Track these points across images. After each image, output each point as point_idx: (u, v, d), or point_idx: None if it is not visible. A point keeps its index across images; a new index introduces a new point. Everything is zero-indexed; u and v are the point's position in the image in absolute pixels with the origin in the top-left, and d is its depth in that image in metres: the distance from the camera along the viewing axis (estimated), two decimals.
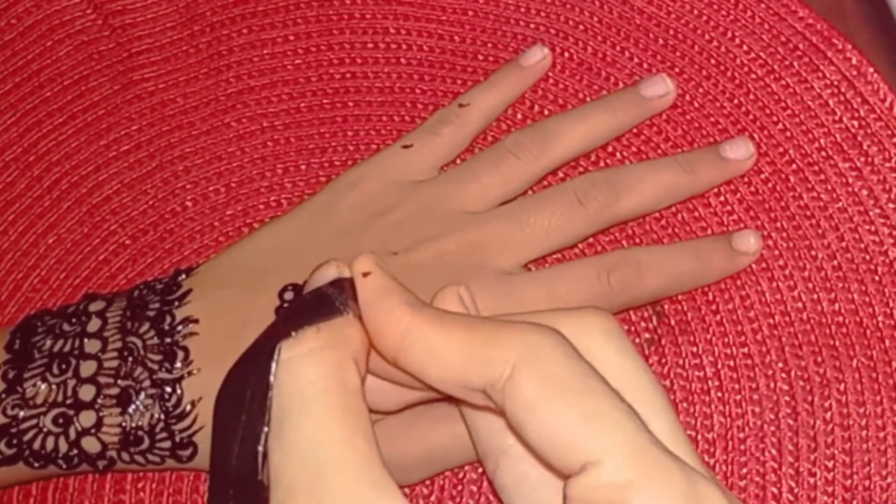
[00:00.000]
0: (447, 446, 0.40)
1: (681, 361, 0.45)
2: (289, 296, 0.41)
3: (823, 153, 0.46)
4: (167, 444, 0.40)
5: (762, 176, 0.47)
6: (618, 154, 0.48)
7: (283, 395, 0.29)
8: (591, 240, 0.46)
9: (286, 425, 0.28)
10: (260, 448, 0.28)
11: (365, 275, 0.31)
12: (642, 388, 0.30)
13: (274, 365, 0.29)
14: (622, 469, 0.27)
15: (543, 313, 0.31)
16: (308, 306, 0.31)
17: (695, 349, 0.45)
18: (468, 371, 0.29)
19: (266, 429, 0.29)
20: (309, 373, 0.29)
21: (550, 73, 0.49)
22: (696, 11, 0.49)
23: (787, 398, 0.44)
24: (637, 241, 0.46)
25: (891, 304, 0.44)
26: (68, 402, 0.40)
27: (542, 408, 0.28)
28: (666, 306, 0.45)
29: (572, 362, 0.29)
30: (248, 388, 0.29)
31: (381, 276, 0.31)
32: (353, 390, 0.29)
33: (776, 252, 0.46)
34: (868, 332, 0.44)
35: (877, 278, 0.45)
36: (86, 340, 0.41)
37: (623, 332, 0.32)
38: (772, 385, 0.44)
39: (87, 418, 0.40)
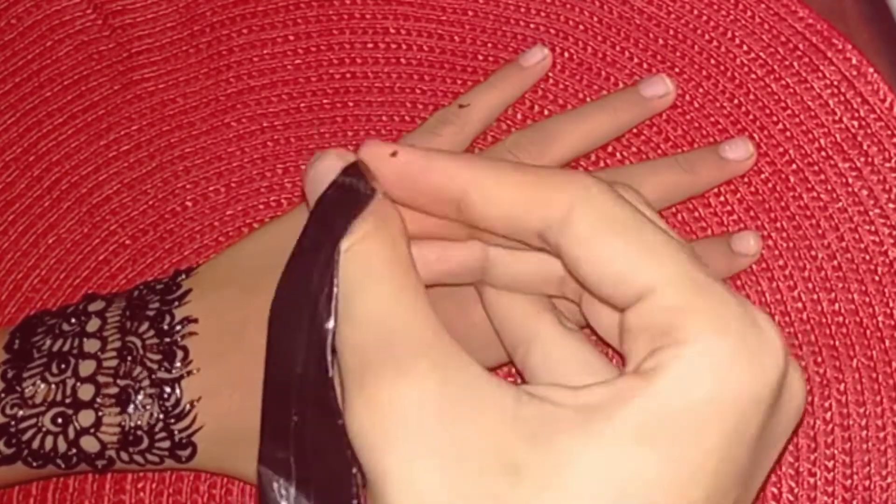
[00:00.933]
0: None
1: None
2: None
3: (823, 153, 0.46)
4: (166, 443, 0.40)
5: (762, 176, 0.47)
6: (618, 154, 0.48)
7: (350, 281, 0.30)
8: None
9: (355, 303, 0.29)
10: (329, 346, 0.29)
11: (394, 155, 0.32)
12: (672, 235, 0.31)
13: (336, 261, 0.30)
14: (679, 294, 0.28)
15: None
16: (335, 200, 0.32)
17: None
18: (529, 212, 0.31)
19: (333, 323, 0.29)
20: (367, 254, 0.30)
21: (550, 73, 0.49)
22: (696, 11, 0.49)
23: None
24: None
25: (891, 304, 0.44)
26: (67, 401, 0.40)
27: (599, 243, 0.29)
28: None
29: (622, 202, 0.30)
30: (308, 292, 0.30)
31: (410, 148, 0.32)
32: (409, 263, 0.31)
33: (776, 252, 0.45)
34: (868, 332, 0.44)
35: (877, 278, 0.45)
36: (85, 340, 0.41)
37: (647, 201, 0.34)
38: None
39: (86, 418, 0.40)
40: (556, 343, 0.35)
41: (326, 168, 0.32)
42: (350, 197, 0.31)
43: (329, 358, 0.29)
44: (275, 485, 0.30)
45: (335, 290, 0.30)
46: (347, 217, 0.31)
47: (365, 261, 0.30)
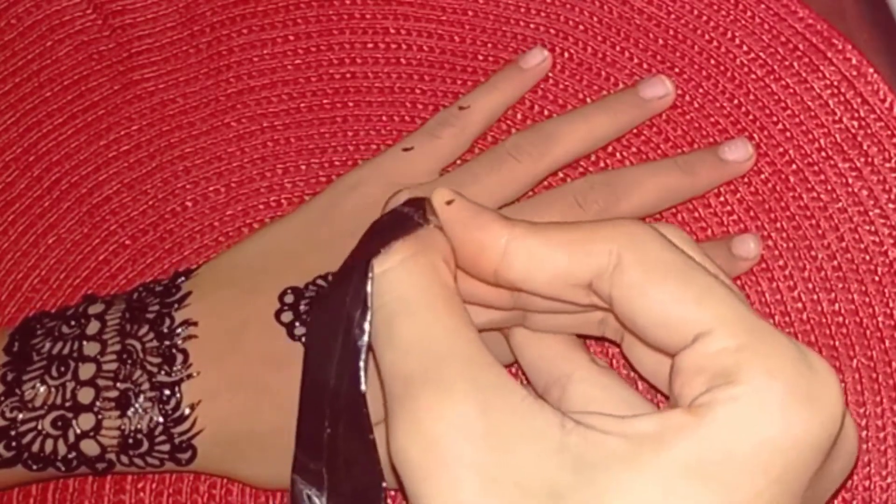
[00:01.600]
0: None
1: None
2: (289, 298, 0.41)
3: (823, 153, 0.46)
4: (166, 447, 0.40)
5: (762, 176, 0.46)
6: (618, 154, 0.48)
7: (386, 304, 0.30)
8: None
9: (395, 328, 0.30)
10: (361, 363, 0.30)
11: (449, 203, 0.32)
12: (722, 278, 0.31)
13: (370, 281, 0.30)
14: (734, 335, 0.28)
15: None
16: (388, 225, 0.32)
17: None
18: (574, 267, 0.31)
19: (367, 340, 0.30)
20: (407, 278, 0.30)
21: (550, 74, 0.49)
22: (696, 11, 0.49)
23: None
24: None
25: (891, 304, 0.44)
26: (67, 404, 0.40)
27: (652, 289, 0.29)
28: None
29: (670, 247, 0.30)
30: (343, 309, 0.30)
31: (465, 200, 0.32)
32: (451, 288, 0.31)
33: (776, 253, 0.45)
34: (868, 332, 0.44)
35: (877, 278, 0.45)
36: (85, 343, 0.41)
37: (693, 240, 0.33)
38: None
39: (85, 421, 0.40)
40: (594, 383, 0.35)
41: (395, 201, 0.34)
42: (401, 224, 0.32)
43: (361, 374, 0.30)
44: (307, 494, 0.30)
45: (369, 308, 0.30)
46: (388, 238, 0.31)
47: (402, 283, 0.30)
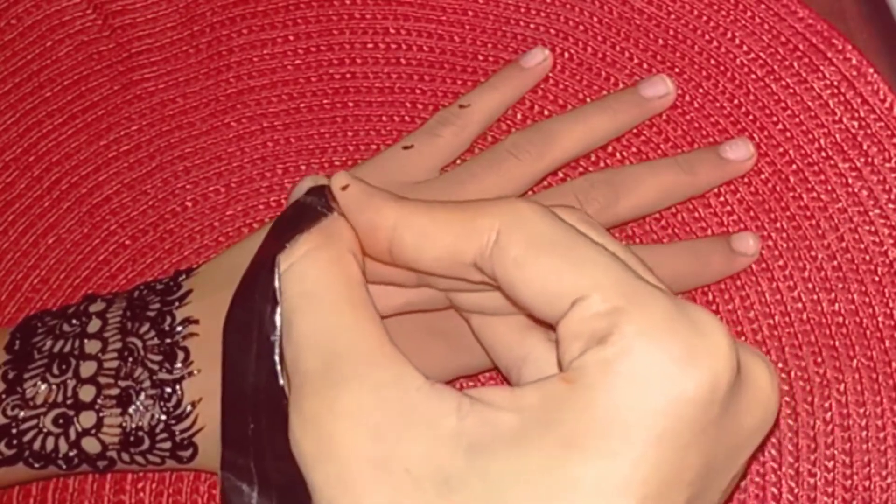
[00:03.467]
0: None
1: None
2: None
3: (823, 153, 0.46)
4: (167, 444, 0.40)
5: (762, 176, 0.47)
6: (618, 154, 0.48)
7: (290, 298, 0.30)
8: None
9: (296, 322, 0.30)
10: (276, 356, 0.30)
11: (344, 188, 0.32)
12: (612, 247, 0.31)
13: (277, 276, 0.31)
14: (609, 298, 0.28)
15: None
16: (293, 217, 0.33)
17: None
18: (459, 245, 0.31)
19: (279, 334, 0.30)
20: (310, 272, 0.30)
21: (550, 74, 0.49)
22: (696, 11, 0.49)
23: (787, 398, 0.44)
24: (637, 241, 0.46)
25: (891, 304, 0.44)
26: (68, 402, 0.40)
27: (531, 263, 0.29)
28: None
29: (553, 220, 0.30)
30: (254, 306, 0.31)
31: (359, 183, 0.33)
32: (356, 280, 0.31)
33: (776, 252, 0.46)
34: (868, 332, 0.44)
35: (877, 278, 0.45)
36: (86, 341, 0.41)
37: (591, 219, 0.33)
38: None
39: (87, 419, 0.40)
40: (548, 361, 0.34)
41: (298, 190, 0.34)
42: (304, 214, 0.32)
43: (278, 368, 0.30)
44: (238, 489, 0.30)
45: (277, 303, 0.30)
46: (293, 231, 0.31)
47: (305, 278, 0.30)
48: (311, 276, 0.31)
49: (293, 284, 0.30)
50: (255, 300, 0.31)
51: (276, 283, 0.31)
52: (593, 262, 0.29)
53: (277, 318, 0.30)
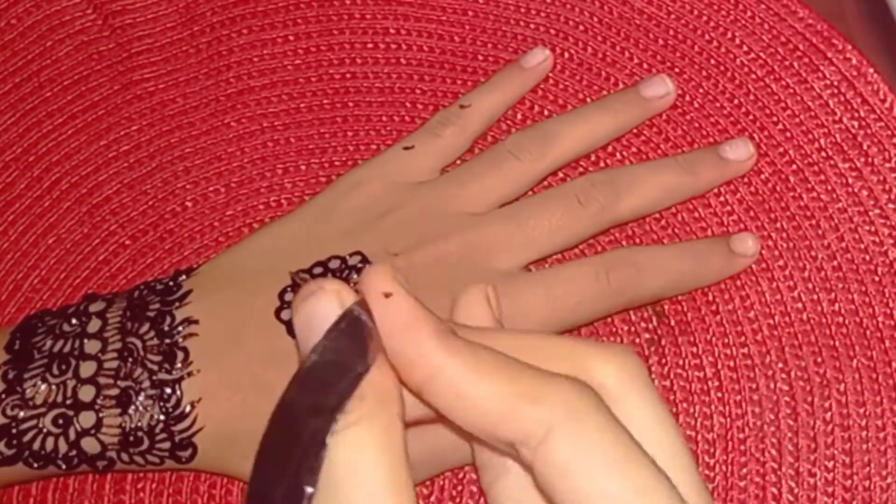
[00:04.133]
0: (448, 448, 0.40)
1: (681, 362, 0.45)
2: (289, 297, 0.41)
3: (823, 153, 0.46)
4: (166, 444, 0.40)
5: (762, 176, 0.47)
6: (618, 154, 0.48)
7: (334, 464, 0.27)
8: (591, 240, 0.46)
9: (339, 496, 0.27)
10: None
11: (386, 295, 0.29)
12: (669, 443, 0.29)
13: (329, 434, 0.28)
14: None
15: (573, 344, 0.30)
16: (335, 365, 0.29)
17: (695, 349, 0.45)
18: (501, 424, 0.28)
19: (311, 490, 0.28)
20: (359, 445, 0.28)
21: (551, 74, 0.49)
22: (696, 11, 0.49)
23: (787, 398, 0.44)
24: (637, 241, 0.46)
25: (891, 304, 0.44)
26: (68, 402, 0.40)
27: (582, 477, 0.27)
28: (666, 307, 0.45)
29: (612, 427, 0.28)
30: (295, 451, 0.28)
31: (404, 297, 0.29)
32: (401, 454, 0.28)
33: (776, 252, 0.46)
34: (868, 332, 0.44)
35: (877, 278, 0.45)
36: (86, 341, 0.41)
37: (649, 378, 0.30)
38: (772, 385, 0.44)
39: (86, 419, 0.40)
40: (528, 485, 0.32)
41: (322, 310, 0.29)
42: (353, 351, 0.29)
43: None
44: None
45: (321, 458, 0.28)
46: (344, 389, 0.28)
47: (355, 452, 0.28)
48: (360, 451, 0.27)
49: (342, 455, 0.27)
50: (294, 448, 0.28)
51: (325, 445, 0.27)
52: (650, 495, 0.27)
53: (315, 473, 0.27)
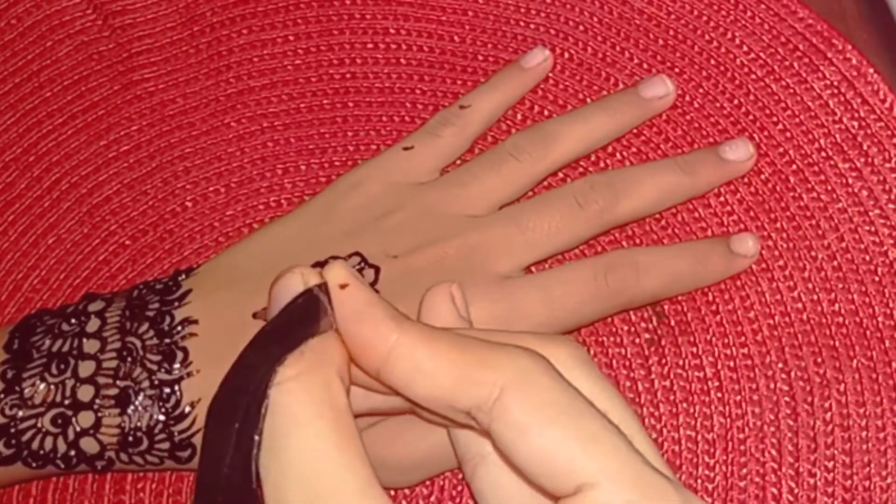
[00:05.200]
0: (445, 448, 0.40)
1: (681, 362, 0.45)
2: None
3: (823, 154, 0.46)
4: (166, 445, 0.40)
5: (762, 176, 0.47)
6: (618, 154, 0.48)
7: (277, 416, 0.29)
8: (591, 240, 0.46)
9: (282, 445, 0.28)
10: (253, 457, 0.29)
11: (342, 286, 0.31)
12: (617, 410, 0.30)
13: (270, 385, 0.29)
14: (621, 490, 0.28)
15: (518, 335, 0.31)
16: (284, 323, 0.31)
17: (695, 349, 0.45)
18: (457, 392, 0.29)
19: (258, 438, 0.29)
20: (299, 397, 0.29)
21: (551, 74, 0.49)
22: (696, 12, 0.49)
23: (787, 398, 0.44)
24: (637, 241, 0.46)
25: (891, 305, 0.44)
26: (67, 402, 0.40)
27: (535, 431, 0.28)
28: (666, 307, 0.45)
29: (560, 386, 0.29)
30: (242, 400, 0.30)
31: (359, 287, 0.31)
32: (342, 409, 0.29)
33: (776, 253, 0.46)
34: (868, 332, 0.44)
35: (877, 278, 0.45)
36: (85, 340, 0.41)
37: (591, 360, 0.32)
38: (772, 385, 0.44)
39: (85, 419, 0.40)
40: (505, 470, 0.33)
41: (286, 286, 0.31)
42: (297, 322, 0.31)
43: (253, 470, 0.29)
44: None
45: (265, 407, 0.29)
46: (285, 343, 0.30)
47: (295, 403, 0.29)
48: (299, 401, 0.29)
49: (284, 406, 0.29)
50: (242, 398, 0.30)
51: (269, 391, 0.29)
52: (602, 442, 0.28)
53: (259, 423, 0.29)
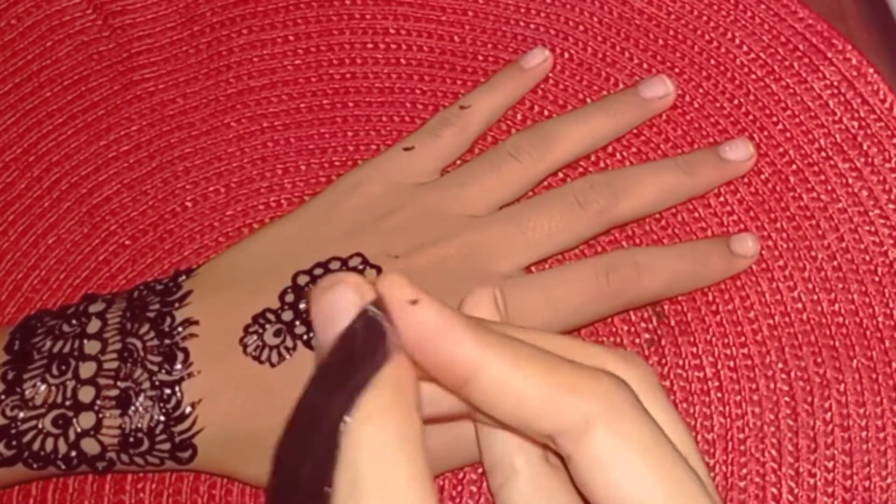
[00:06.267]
0: (446, 449, 0.40)
1: (681, 362, 0.45)
2: (290, 297, 0.41)
3: (823, 154, 0.46)
4: (167, 445, 0.40)
5: (762, 176, 0.47)
6: (618, 154, 0.48)
7: (352, 461, 0.27)
8: (591, 240, 0.46)
9: (362, 492, 0.27)
10: None
11: (413, 302, 0.29)
12: (683, 441, 0.30)
13: (341, 431, 0.27)
14: None
15: (596, 349, 0.31)
16: (347, 353, 0.29)
17: (695, 349, 0.45)
18: (542, 415, 0.28)
19: (329, 489, 0.28)
20: (379, 437, 0.27)
21: (550, 74, 0.49)
22: (696, 12, 0.49)
23: (787, 398, 0.44)
24: (637, 241, 0.46)
25: (891, 305, 0.44)
26: (68, 403, 0.40)
27: (619, 470, 0.28)
28: (666, 307, 0.45)
29: (648, 423, 0.28)
30: (310, 449, 0.28)
31: (430, 301, 0.29)
32: (420, 448, 0.28)
33: (776, 253, 0.46)
34: (868, 332, 0.44)
35: (877, 279, 0.45)
36: (85, 341, 0.41)
37: (660, 384, 0.31)
38: (772, 385, 0.44)
39: (86, 420, 0.40)
40: (539, 486, 0.32)
41: (342, 303, 0.29)
42: (361, 350, 0.29)
43: None
44: None
45: (336, 457, 0.27)
46: (362, 376, 0.28)
47: (373, 445, 0.27)
48: (380, 442, 0.27)
49: (359, 448, 0.27)
50: (308, 446, 0.28)
51: (337, 442, 0.27)
52: (681, 486, 0.28)
53: (331, 472, 0.28)
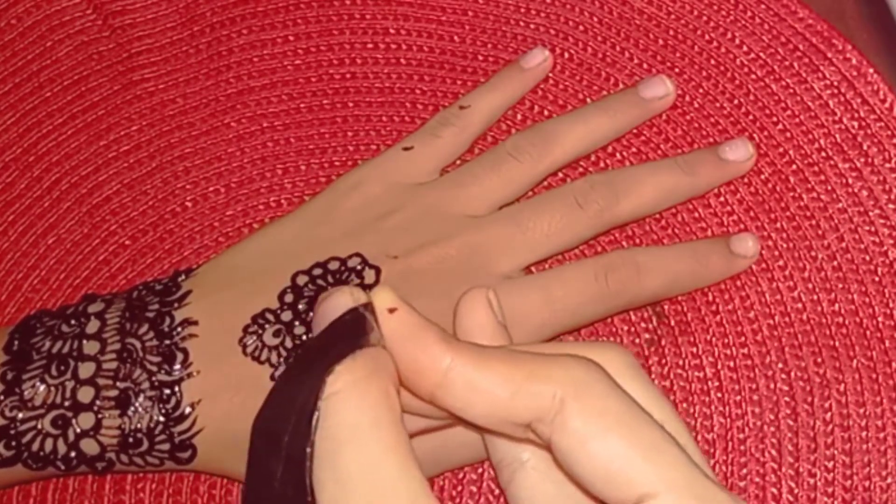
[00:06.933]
0: (449, 448, 0.40)
1: (681, 362, 0.45)
2: (289, 298, 0.41)
3: (823, 154, 0.46)
4: (166, 446, 0.40)
5: (762, 176, 0.47)
6: (618, 154, 0.48)
7: (333, 426, 0.28)
8: (591, 240, 0.46)
9: (340, 457, 0.28)
10: (307, 470, 0.28)
11: (391, 311, 0.31)
12: (669, 419, 0.30)
13: (322, 393, 0.29)
14: (681, 500, 0.27)
15: (568, 345, 0.32)
16: (332, 335, 0.31)
17: (695, 349, 0.45)
18: (515, 406, 0.29)
19: (310, 450, 0.28)
20: (359, 403, 0.29)
21: (550, 74, 0.49)
22: (695, 12, 0.49)
23: (787, 398, 0.44)
24: (637, 241, 0.46)
25: (891, 305, 0.44)
26: (67, 403, 0.40)
27: (596, 441, 0.28)
28: (666, 307, 0.45)
29: (617, 394, 0.29)
30: (290, 413, 0.29)
31: (408, 311, 0.31)
32: (399, 419, 0.29)
33: (776, 253, 0.46)
34: (868, 332, 0.44)
35: (877, 279, 0.45)
36: (84, 342, 0.41)
37: (640, 366, 0.32)
38: (772, 385, 0.44)
39: (85, 420, 0.40)
40: (546, 476, 0.33)
41: (335, 304, 0.31)
42: (346, 335, 0.30)
43: (308, 482, 0.28)
44: None
45: (315, 418, 0.29)
46: (336, 355, 0.29)
47: (353, 409, 0.28)
48: (360, 409, 0.28)
49: (340, 414, 0.28)
50: (289, 411, 0.29)
51: (320, 400, 0.29)
52: (662, 452, 0.28)
53: (311, 434, 0.28)
